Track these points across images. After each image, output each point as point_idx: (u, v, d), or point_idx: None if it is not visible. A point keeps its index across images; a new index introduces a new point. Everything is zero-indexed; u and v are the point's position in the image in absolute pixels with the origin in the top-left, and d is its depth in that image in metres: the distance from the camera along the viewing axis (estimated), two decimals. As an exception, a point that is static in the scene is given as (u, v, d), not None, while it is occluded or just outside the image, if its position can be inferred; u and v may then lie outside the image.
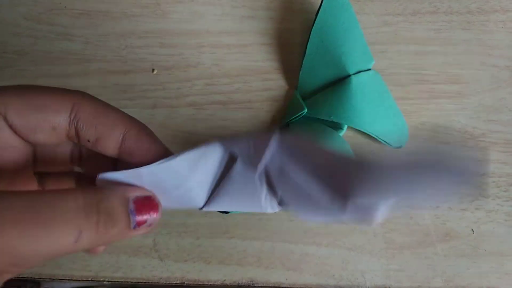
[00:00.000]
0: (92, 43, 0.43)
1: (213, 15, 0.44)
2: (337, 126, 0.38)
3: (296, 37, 0.43)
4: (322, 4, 0.40)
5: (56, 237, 0.15)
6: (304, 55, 0.40)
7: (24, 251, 0.14)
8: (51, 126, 0.19)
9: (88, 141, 0.20)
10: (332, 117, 0.37)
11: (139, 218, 0.18)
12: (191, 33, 0.43)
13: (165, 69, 0.41)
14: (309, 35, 0.40)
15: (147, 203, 0.19)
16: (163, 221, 0.38)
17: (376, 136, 0.38)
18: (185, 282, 0.37)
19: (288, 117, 0.39)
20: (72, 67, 0.42)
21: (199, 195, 0.24)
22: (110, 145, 0.20)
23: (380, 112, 0.38)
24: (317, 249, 0.37)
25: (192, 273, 0.37)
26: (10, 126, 0.18)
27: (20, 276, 0.37)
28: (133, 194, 0.18)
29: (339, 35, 0.39)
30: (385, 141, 0.38)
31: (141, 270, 0.37)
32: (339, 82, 0.39)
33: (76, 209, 0.15)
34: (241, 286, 0.37)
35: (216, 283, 0.37)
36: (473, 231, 0.37)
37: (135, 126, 0.21)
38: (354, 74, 0.38)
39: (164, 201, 0.21)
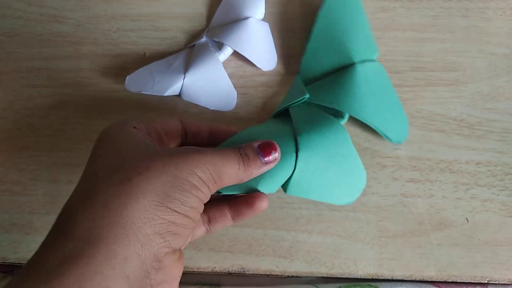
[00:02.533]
0: (83, 25, 0.42)
1: (207, -2, 0.43)
2: (339, 115, 0.37)
3: (293, 22, 0.42)
4: None
5: (231, 167, 0.27)
6: (309, 40, 0.39)
7: (221, 169, 0.26)
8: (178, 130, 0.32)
9: (194, 133, 0.33)
10: (334, 105, 0.36)
11: (265, 156, 0.29)
12: (184, 17, 0.42)
13: (157, 52, 0.40)
14: (316, 19, 0.39)
15: (267, 146, 0.29)
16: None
17: (377, 129, 0.37)
18: (175, 269, 0.36)
19: (288, 101, 0.37)
20: (62, 49, 0.41)
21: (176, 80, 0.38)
22: (204, 135, 0.33)
23: (383, 104, 0.37)
24: (309, 236, 0.36)
25: (182, 260, 0.36)
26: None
27: (6, 262, 0.37)
28: (256, 143, 0.29)
29: (345, 22, 0.39)
30: (386, 135, 0.37)
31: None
32: (343, 69, 0.37)
33: (235, 156, 0.27)
34: (231, 273, 0.36)
35: (206, 270, 0.36)
36: (467, 220, 0.37)
37: (210, 124, 0.34)
38: (359, 62, 0.37)
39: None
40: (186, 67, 0.38)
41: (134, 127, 0.28)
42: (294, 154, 0.32)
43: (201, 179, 0.25)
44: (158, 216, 0.23)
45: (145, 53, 0.41)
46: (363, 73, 0.37)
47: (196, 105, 0.39)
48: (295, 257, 0.36)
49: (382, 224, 0.37)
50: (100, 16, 0.42)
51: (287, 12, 0.42)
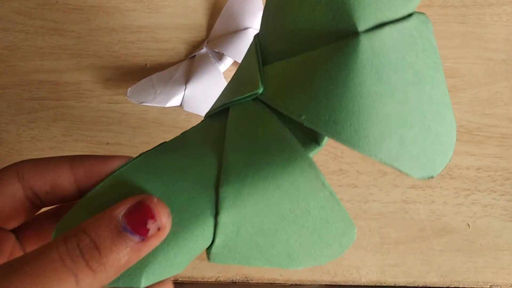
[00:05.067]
0: (84, 38, 0.42)
1: (207, 9, 0.43)
2: (311, 136, 0.20)
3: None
4: None
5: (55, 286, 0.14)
6: None
7: None
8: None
9: (47, 192, 0.19)
10: (304, 118, 0.19)
11: (140, 231, 0.16)
12: (185, 27, 0.43)
13: (158, 64, 0.41)
14: None
15: (141, 209, 0.16)
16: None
17: (387, 164, 0.19)
18: (179, 279, 0.36)
19: (231, 93, 0.22)
20: (64, 62, 0.42)
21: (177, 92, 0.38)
22: (66, 184, 0.19)
23: (405, 114, 0.18)
24: (312, 244, 0.37)
25: (186, 270, 0.36)
26: None
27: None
28: (119, 210, 0.16)
29: None
30: (404, 172, 0.19)
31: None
32: (332, 44, 0.18)
33: (60, 257, 0.15)
34: (235, 282, 0.36)
35: (210, 280, 0.36)
36: (468, 225, 0.37)
37: (77, 157, 0.19)
38: (366, 31, 0.18)
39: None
40: (187, 78, 0.39)
41: None
42: (212, 218, 0.19)
43: None
44: None
45: (146, 65, 0.41)
46: (372, 55, 0.18)
47: (198, 116, 0.39)
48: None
49: (384, 231, 0.37)
50: (101, 29, 0.43)
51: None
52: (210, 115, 0.23)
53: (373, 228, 0.37)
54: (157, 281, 0.19)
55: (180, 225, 0.19)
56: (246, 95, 0.21)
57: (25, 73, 0.41)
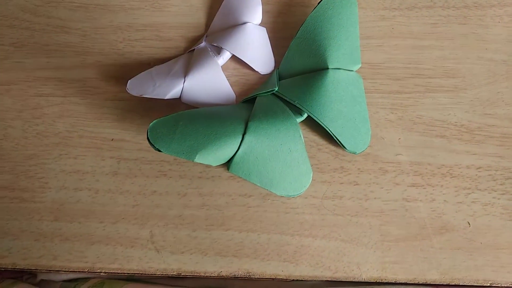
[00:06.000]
0: (89, 36, 0.43)
1: (210, 8, 0.44)
2: (298, 112, 0.38)
3: (292, 31, 0.43)
4: None
5: None
6: (294, 38, 0.40)
7: None
8: None
9: None
10: (296, 102, 0.37)
11: None
12: (189, 26, 0.43)
13: (162, 62, 0.41)
14: (305, 20, 0.40)
15: None
16: (159, 213, 0.38)
17: (333, 134, 0.38)
18: (182, 274, 0.37)
19: (259, 90, 0.39)
20: (69, 59, 0.42)
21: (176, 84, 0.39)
22: None
23: (346, 113, 0.38)
24: (313, 240, 0.37)
25: (189, 265, 0.37)
26: None
27: (16, 268, 0.37)
28: None
29: (332, 28, 0.39)
30: (340, 142, 0.38)
31: (137, 262, 0.37)
32: (316, 72, 0.39)
33: None
34: (237, 277, 0.37)
35: (213, 275, 0.37)
36: (469, 224, 0.37)
37: None
38: (332, 69, 0.38)
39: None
40: (186, 71, 0.39)
41: None
42: (241, 136, 0.35)
43: None
44: None
45: (150, 63, 0.42)
46: (333, 79, 0.38)
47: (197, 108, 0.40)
48: (299, 261, 0.37)
49: (384, 228, 0.37)
50: (106, 27, 0.43)
51: (286, 22, 0.43)
52: (243, 101, 0.39)
53: (374, 226, 0.37)
54: (202, 162, 0.34)
55: (223, 135, 0.34)
56: (268, 90, 0.39)
57: (31, 70, 0.42)
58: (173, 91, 0.39)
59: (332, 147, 0.39)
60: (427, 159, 0.39)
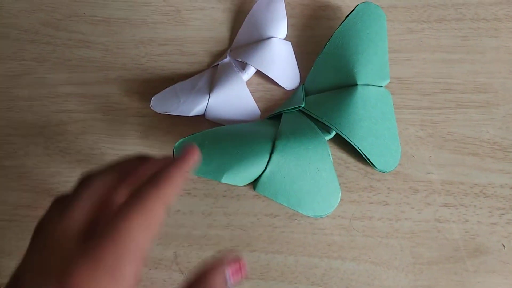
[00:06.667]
0: (111, 50, 0.42)
1: (234, 22, 0.43)
2: (326, 130, 0.37)
3: (318, 45, 0.42)
4: (356, 8, 0.39)
5: None
6: (320, 53, 0.39)
7: None
8: None
9: None
10: (324, 119, 0.37)
11: (234, 279, 0.22)
12: (212, 41, 0.42)
13: (186, 77, 0.40)
14: (332, 34, 0.39)
15: (238, 266, 0.22)
16: (183, 233, 0.37)
17: (362, 152, 0.36)
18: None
19: (284, 106, 0.38)
20: (91, 75, 0.42)
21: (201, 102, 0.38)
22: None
23: (375, 130, 0.37)
24: (342, 263, 0.36)
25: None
26: None
27: None
28: (223, 264, 0.22)
29: (360, 43, 0.38)
30: (370, 161, 0.37)
31: (162, 284, 0.36)
32: (344, 88, 0.38)
33: None
34: (263, 301, 0.36)
35: None
36: (504, 246, 0.36)
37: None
38: (361, 85, 0.37)
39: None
40: (211, 87, 0.38)
41: (69, 217, 0.21)
42: (268, 155, 0.34)
43: None
44: None
45: (173, 79, 0.41)
46: (362, 95, 0.37)
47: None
48: (328, 285, 0.36)
49: (416, 250, 0.36)
50: (128, 41, 0.42)
51: (311, 36, 0.42)
52: (269, 117, 0.39)
53: (405, 247, 0.36)
54: (229, 183, 0.33)
55: (250, 154, 0.33)
56: (295, 106, 0.38)
57: (53, 85, 0.41)
58: (198, 108, 0.38)
59: (361, 165, 0.38)
60: (459, 178, 0.38)
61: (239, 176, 0.33)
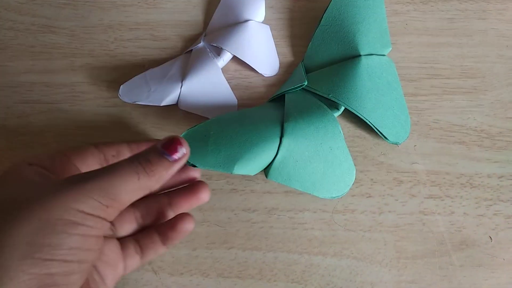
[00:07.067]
0: (78, 36, 0.40)
1: (209, 4, 0.40)
2: (334, 106, 0.35)
3: (298, 28, 0.40)
4: None
5: (126, 181, 0.24)
6: (317, 26, 0.37)
7: (113, 189, 0.23)
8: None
9: (113, 156, 0.31)
10: (330, 95, 0.35)
11: (171, 154, 0.26)
12: (186, 24, 0.40)
13: (157, 64, 0.38)
14: (328, 5, 0.37)
15: (171, 143, 0.26)
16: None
17: (373, 126, 0.35)
18: None
19: (287, 86, 0.36)
20: (57, 62, 0.39)
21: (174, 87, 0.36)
22: (126, 152, 0.31)
23: (384, 101, 0.35)
24: (323, 259, 0.34)
25: (189, 287, 0.34)
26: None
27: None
28: (159, 143, 0.26)
29: (359, 12, 0.36)
30: (382, 133, 0.35)
31: (133, 285, 0.34)
32: (347, 60, 0.36)
33: (129, 165, 0.24)
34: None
35: (215, 297, 0.34)
36: (491, 238, 0.35)
37: (133, 142, 0.32)
38: (365, 55, 0.35)
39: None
40: (183, 75, 0.36)
41: (30, 164, 0.26)
42: (278, 139, 0.32)
43: (83, 212, 0.22)
44: (23, 272, 0.21)
45: (145, 65, 0.38)
46: (367, 66, 0.35)
47: (198, 117, 0.37)
48: (308, 282, 0.34)
49: (400, 244, 0.35)
50: (95, 26, 0.40)
51: (291, 18, 0.40)
52: (270, 100, 0.37)
53: (389, 241, 0.35)
54: (241, 173, 0.31)
55: (260, 140, 0.31)
56: (297, 85, 0.36)
57: (15, 74, 0.39)
58: (170, 97, 0.36)
59: (343, 156, 0.36)
60: (445, 167, 0.36)
61: (251, 165, 0.31)
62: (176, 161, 0.26)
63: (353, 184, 0.35)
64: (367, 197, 0.35)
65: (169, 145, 0.26)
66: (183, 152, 0.26)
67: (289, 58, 0.39)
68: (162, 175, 0.25)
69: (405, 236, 0.35)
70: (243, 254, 0.34)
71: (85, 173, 0.24)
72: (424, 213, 0.35)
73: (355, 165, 0.36)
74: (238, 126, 0.32)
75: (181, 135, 0.30)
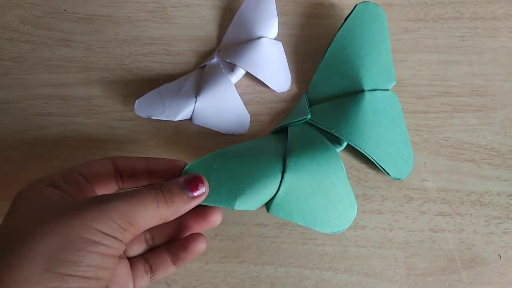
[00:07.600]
0: (93, 50, 0.40)
1: (222, 20, 0.41)
2: (337, 141, 0.35)
3: (310, 45, 0.40)
4: (354, 9, 0.37)
5: (146, 208, 0.25)
6: (322, 58, 0.38)
7: (132, 214, 0.24)
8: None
9: (128, 176, 0.30)
10: (333, 130, 0.35)
11: (192, 191, 0.27)
12: (199, 40, 0.40)
13: (171, 78, 0.39)
14: (332, 39, 0.37)
15: (194, 180, 0.27)
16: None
17: (376, 162, 0.35)
18: None
19: (290, 119, 0.36)
20: (72, 75, 0.40)
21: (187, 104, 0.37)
22: (141, 172, 0.30)
23: (387, 137, 0.35)
24: (334, 274, 0.35)
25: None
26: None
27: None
28: (182, 178, 0.27)
29: (363, 46, 0.37)
30: (384, 169, 0.35)
31: (146, 297, 0.35)
32: (351, 95, 0.36)
33: (151, 195, 0.25)
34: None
35: (226, 310, 0.34)
36: (500, 256, 0.35)
37: (151, 158, 0.31)
38: (369, 90, 0.35)
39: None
40: (197, 90, 0.37)
41: (48, 185, 0.26)
42: (280, 175, 0.31)
43: (102, 232, 0.23)
44: (43, 285, 0.21)
45: (159, 80, 0.39)
46: (370, 102, 0.35)
47: (211, 132, 0.37)
48: (319, 297, 0.34)
49: (410, 261, 0.35)
50: (111, 40, 0.40)
51: (303, 35, 0.41)
52: (273, 132, 0.37)
53: (399, 258, 0.35)
54: (242, 209, 0.30)
55: (262, 176, 0.31)
56: (300, 118, 0.36)
57: (32, 87, 0.39)
58: (184, 112, 0.36)
59: (354, 172, 0.37)
60: (455, 185, 0.36)
61: (252, 201, 0.31)
62: (194, 198, 0.27)
63: (364, 200, 0.36)
64: (377, 214, 0.36)
65: (191, 181, 0.27)
66: (202, 191, 0.27)
67: (301, 74, 0.40)
68: (179, 208, 0.26)
69: (415, 253, 0.35)
70: (255, 268, 0.35)
71: (106, 195, 0.25)
72: (434, 230, 0.35)
73: (365, 181, 0.36)
74: (240, 160, 0.32)
75: (185, 169, 0.30)
